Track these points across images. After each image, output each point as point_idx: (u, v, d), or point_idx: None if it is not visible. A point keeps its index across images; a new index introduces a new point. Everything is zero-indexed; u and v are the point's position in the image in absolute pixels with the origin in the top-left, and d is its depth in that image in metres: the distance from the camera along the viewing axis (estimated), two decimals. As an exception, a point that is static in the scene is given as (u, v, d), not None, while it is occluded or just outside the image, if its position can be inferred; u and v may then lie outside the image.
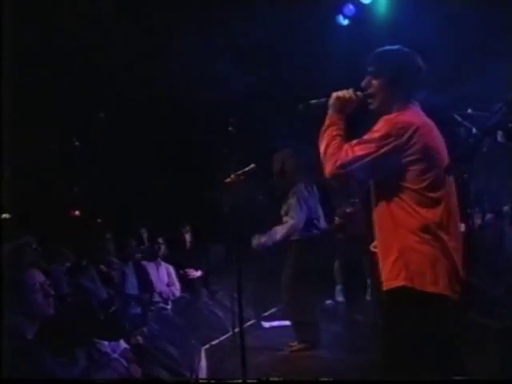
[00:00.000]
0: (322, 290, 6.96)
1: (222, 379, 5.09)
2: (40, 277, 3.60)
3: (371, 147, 2.83)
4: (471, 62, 6.98)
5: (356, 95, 3.05)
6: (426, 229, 2.84)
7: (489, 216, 9.23)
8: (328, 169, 2.90)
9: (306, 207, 5.89)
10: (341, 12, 9.18)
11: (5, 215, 10.07)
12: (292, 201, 5.86)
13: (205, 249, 8.26)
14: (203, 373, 5.32)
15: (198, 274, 7.78)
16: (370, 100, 3.04)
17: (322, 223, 6.15)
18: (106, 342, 4.65)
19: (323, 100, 3.08)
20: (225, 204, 4.63)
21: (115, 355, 4.57)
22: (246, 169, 4.52)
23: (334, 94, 3.06)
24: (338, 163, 2.85)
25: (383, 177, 2.93)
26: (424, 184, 2.85)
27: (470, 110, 6.33)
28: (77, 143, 10.83)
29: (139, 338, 5.17)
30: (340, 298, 8.39)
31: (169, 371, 4.88)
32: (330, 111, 3.04)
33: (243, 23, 7.80)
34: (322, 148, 2.97)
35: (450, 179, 2.97)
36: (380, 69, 3.02)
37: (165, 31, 8.25)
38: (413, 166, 2.84)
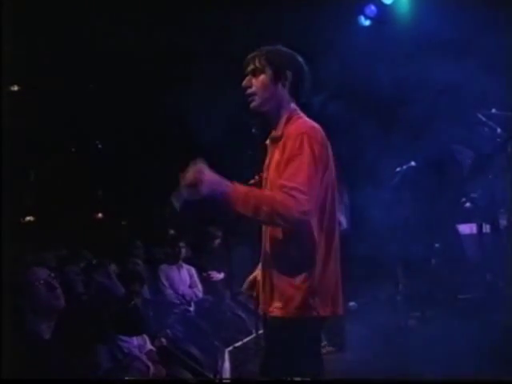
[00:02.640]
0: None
1: (244, 379, 5.11)
2: (42, 273, 3.54)
3: (311, 170, 2.62)
4: (496, 62, 6.90)
5: (198, 164, 2.67)
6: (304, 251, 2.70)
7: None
8: (291, 221, 2.58)
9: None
10: (362, 13, 9.15)
11: (29, 218, 10.18)
12: None
13: (228, 250, 8.25)
14: (226, 374, 5.34)
15: (221, 276, 7.78)
16: (251, 99, 2.86)
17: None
18: (135, 342, 4.68)
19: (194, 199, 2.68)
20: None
21: (140, 355, 4.61)
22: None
23: (197, 189, 2.62)
24: (301, 209, 2.55)
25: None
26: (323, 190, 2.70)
27: (494, 110, 6.29)
28: (100, 146, 10.90)
29: (163, 340, 5.21)
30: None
31: (192, 373, 4.90)
32: (210, 199, 2.65)
33: (263, 25, 7.81)
34: (258, 215, 2.59)
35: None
36: (261, 65, 2.83)
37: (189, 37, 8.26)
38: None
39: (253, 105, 2.84)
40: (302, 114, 2.84)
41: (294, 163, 2.62)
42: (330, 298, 2.73)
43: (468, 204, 6.95)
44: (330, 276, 2.74)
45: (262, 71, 2.83)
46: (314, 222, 2.68)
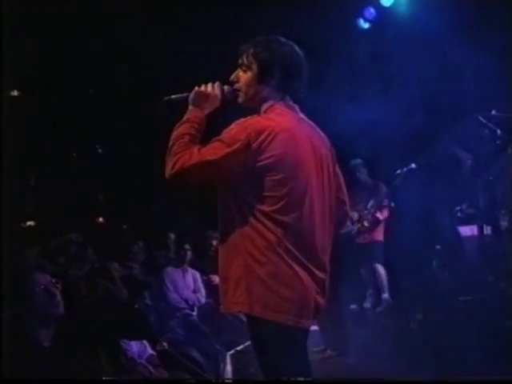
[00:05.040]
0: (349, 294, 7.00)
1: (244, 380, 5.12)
2: (43, 279, 3.51)
3: (216, 153, 2.57)
4: (495, 64, 6.91)
5: (222, 90, 2.81)
6: (272, 250, 2.59)
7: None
8: (167, 169, 2.64)
9: None
10: (362, 15, 9.15)
11: (30, 222, 10.18)
12: None
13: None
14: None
15: (221, 279, 7.73)
16: (237, 93, 2.82)
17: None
18: (134, 348, 4.67)
19: (185, 94, 2.85)
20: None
21: (141, 360, 4.60)
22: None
23: (196, 88, 2.83)
24: (178, 165, 2.59)
25: (229, 185, 2.67)
26: (276, 198, 2.59)
27: (494, 112, 6.29)
28: (100, 150, 10.90)
29: (165, 344, 5.20)
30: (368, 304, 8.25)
31: (194, 376, 4.89)
32: (189, 106, 2.81)
33: (262, 27, 7.79)
34: (169, 145, 2.72)
35: (316, 193, 2.69)
36: (248, 61, 2.77)
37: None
38: (265, 175, 2.58)
39: (239, 100, 2.83)
40: (282, 109, 2.74)
41: (215, 142, 2.64)
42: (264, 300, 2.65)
43: (469, 206, 6.95)
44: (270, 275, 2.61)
45: (249, 68, 2.77)
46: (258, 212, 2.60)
